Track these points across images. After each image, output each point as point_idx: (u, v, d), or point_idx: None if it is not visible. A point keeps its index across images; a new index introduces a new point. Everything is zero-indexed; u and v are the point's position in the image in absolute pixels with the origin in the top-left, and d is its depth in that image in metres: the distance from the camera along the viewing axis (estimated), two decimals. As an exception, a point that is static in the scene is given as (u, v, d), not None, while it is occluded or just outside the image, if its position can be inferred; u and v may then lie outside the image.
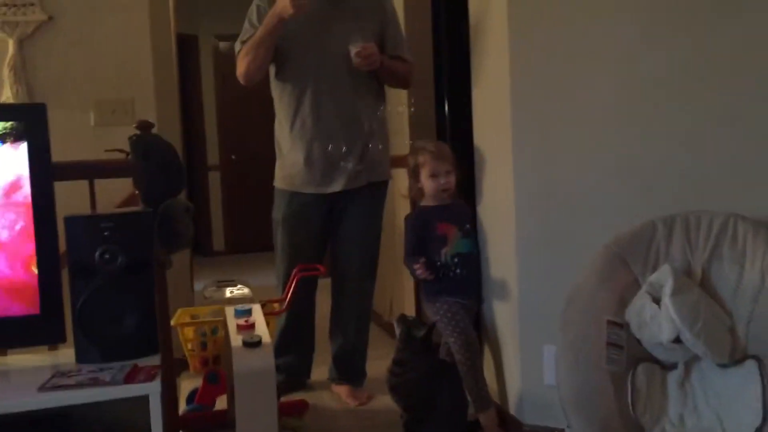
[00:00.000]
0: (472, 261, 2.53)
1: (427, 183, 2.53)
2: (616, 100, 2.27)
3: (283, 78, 2.76)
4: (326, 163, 2.73)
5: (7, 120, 1.87)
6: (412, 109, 3.33)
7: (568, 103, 2.29)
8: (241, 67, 2.73)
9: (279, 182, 2.86)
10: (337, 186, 2.75)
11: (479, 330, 2.62)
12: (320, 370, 3.01)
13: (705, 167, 2.18)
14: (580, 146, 2.29)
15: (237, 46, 2.77)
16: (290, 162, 2.78)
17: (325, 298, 2.97)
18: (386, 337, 3.66)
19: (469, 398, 2.37)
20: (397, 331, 2.30)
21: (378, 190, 2.86)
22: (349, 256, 2.86)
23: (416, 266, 2.43)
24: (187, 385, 2.72)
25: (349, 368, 2.93)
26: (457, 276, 2.48)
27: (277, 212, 2.86)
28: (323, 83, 2.70)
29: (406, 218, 2.64)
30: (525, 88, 2.31)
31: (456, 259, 2.48)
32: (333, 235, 2.87)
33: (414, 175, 2.58)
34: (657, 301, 1.89)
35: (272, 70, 2.79)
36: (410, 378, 2.25)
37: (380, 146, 2.83)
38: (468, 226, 2.54)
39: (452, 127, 3.28)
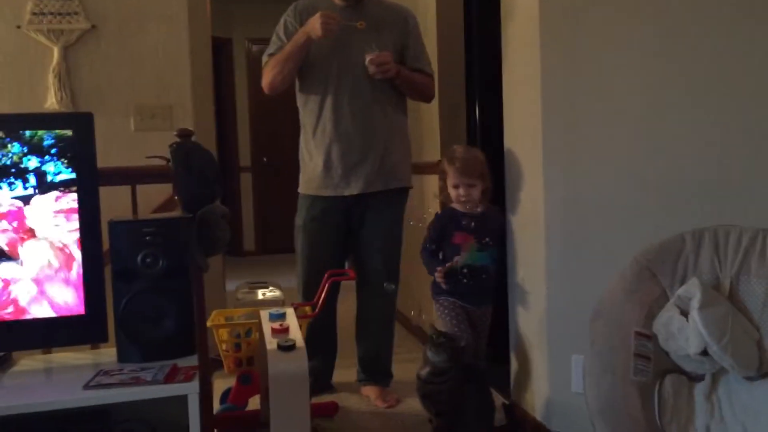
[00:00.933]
0: (483, 274, 2.53)
1: (450, 191, 2.59)
2: (647, 112, 2.29)
3: (307, 88, 2.87)
4: (344, 167, 2.81)
5: (56, 128, 1.96)
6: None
7: (598, 114, 2.32)
8: (266, 78, 2.86)
9: (301, 188, 2.96)
10: (354, 189, 2.83)
11: (500, 336, 2.68)
12: (346, 372, 3.07)
13: (734, 181, 2.20)
14: (610, 157, 2.31)
15: (264, 58, 2.90)
16: (311, 167, 2.88)
17: (352, 299, 3.03)
18: (414, 340, 3.70)
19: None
20: (434, 354, 2.32)
21: (396, 196, 2.93)
22: (370, 262, 2.93)
23: (437, 272, 2.51)
24: (220, 384, 2.79)
25: (376, 369, 3.00)
26: (464, 285, 2.52)
27: (299, 217, 2.96)
28: (343, 91, 2.80)
29: (435, 215, 2.70)
30: (556, 96, 2.33)
31: (465, 270, 2.51)
32: (354, 240, 2.93)
33: (442, 179, 2.65)
34: (685, 313, 1.91)
35: (297, 82, 2.90)
36: (446, 387, 2.28)
37: (398, 153, 2.90)
38: (488, 239, 2.54)
39: (482, 132, 3.30)
